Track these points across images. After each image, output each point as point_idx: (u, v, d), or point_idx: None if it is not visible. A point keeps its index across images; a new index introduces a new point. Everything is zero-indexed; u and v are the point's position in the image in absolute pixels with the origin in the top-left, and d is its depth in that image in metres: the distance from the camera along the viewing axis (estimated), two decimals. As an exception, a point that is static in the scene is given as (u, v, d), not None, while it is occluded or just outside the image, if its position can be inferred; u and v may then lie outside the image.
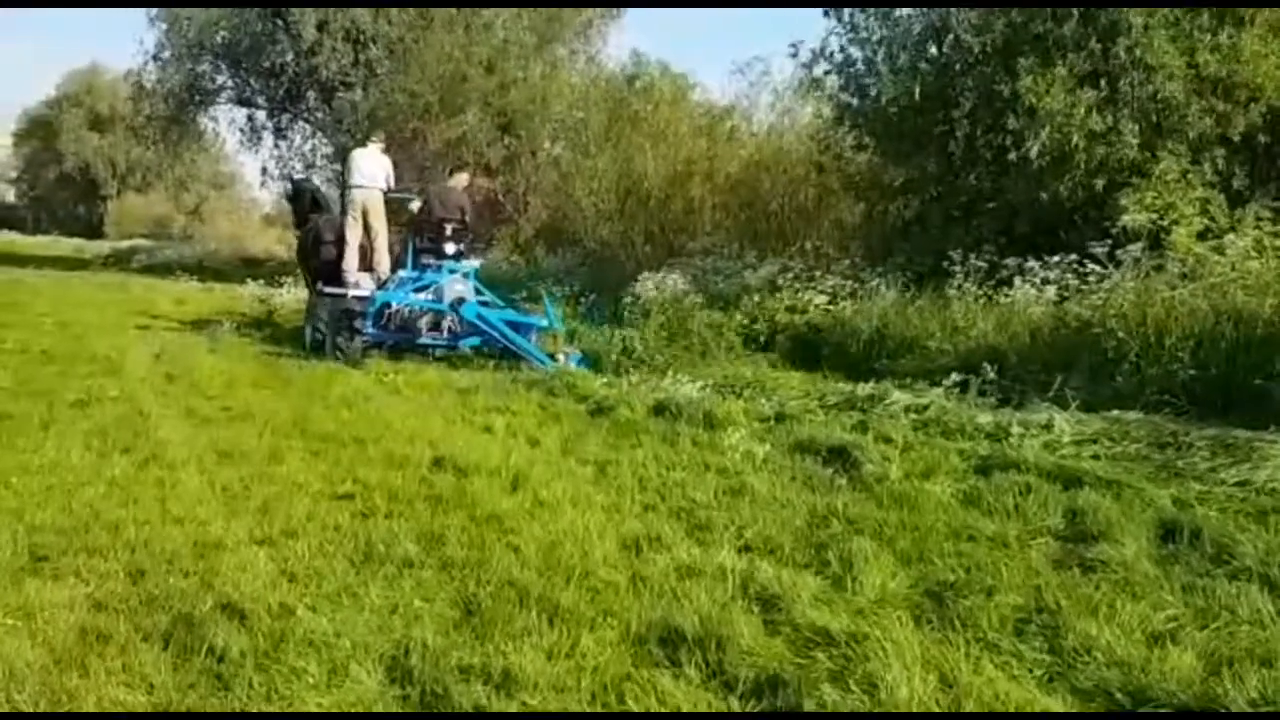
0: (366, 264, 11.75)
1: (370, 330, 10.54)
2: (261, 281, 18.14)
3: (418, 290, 10.80)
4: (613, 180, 18.92)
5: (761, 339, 10.58)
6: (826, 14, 11.57)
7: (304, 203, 13.30)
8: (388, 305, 10.67)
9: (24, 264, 27.04)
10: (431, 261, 11.02)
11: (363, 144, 13.08)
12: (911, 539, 4.06)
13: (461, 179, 12.73)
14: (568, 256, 19.21)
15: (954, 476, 4.98)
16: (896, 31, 10.47)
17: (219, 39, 27.71)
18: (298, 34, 24.94)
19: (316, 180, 22.08)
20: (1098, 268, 7.93)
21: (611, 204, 18.97)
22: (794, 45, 11.62)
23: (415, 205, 11.72)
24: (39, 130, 62.04)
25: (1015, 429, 5.71)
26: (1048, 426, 5.75)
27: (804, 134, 16.82)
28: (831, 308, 10.15)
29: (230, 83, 29.45)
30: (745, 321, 10.77)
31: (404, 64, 23.94)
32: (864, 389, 7.28)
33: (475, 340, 10.71)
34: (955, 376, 7.15)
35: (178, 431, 6.75)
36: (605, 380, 8.66)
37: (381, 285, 11.32)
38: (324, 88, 26.74)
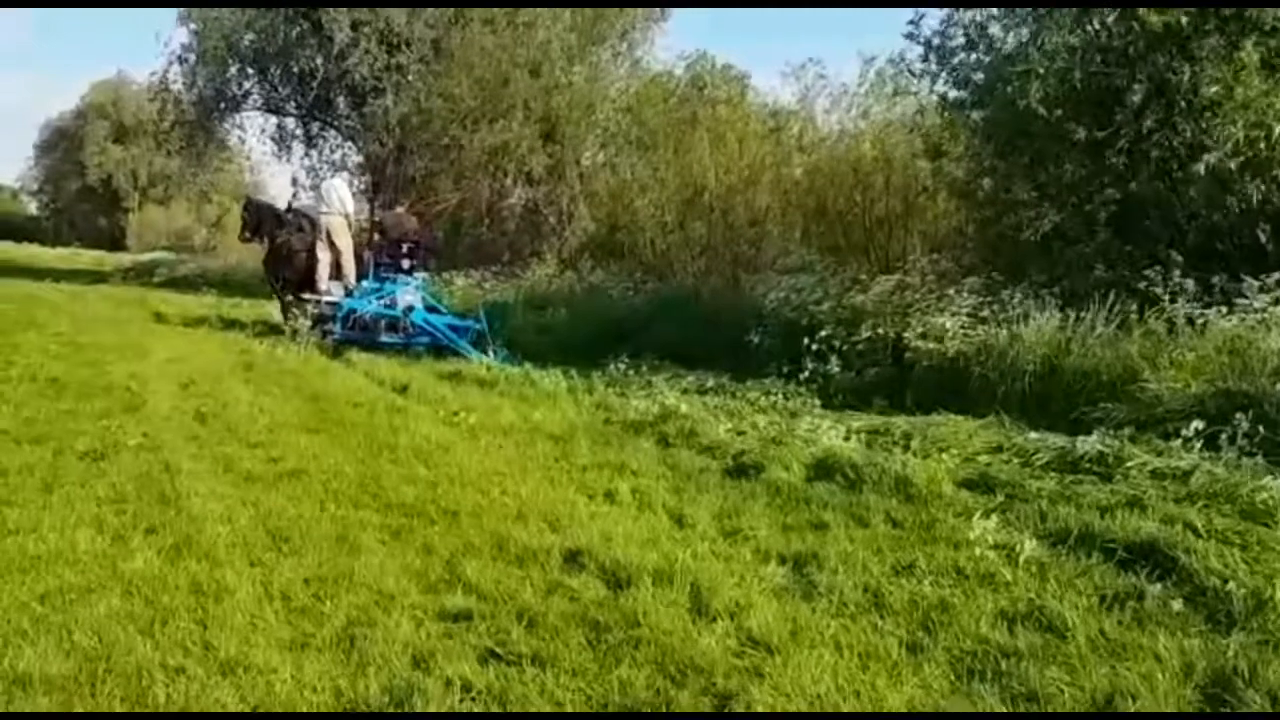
0: (334, 274, 13.94)
1: (338, 330, 12.70)
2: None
3: (377, 299, 12.95)
4: (674, 188, 17.42)
5: (886, 371, 9.04)
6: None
7: (263, 219, 15.42)
8: (354, 311, 12.82)
9: (43, 277, 25.79)
10: (389, 275, 13.23)
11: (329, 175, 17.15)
12: None
13: (400, 209, 15.60)
14: (618, 271, 17.74)
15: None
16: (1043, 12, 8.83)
17: (246, 42, 26.35)
18: (330, 36, 23.54)
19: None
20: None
21: (672, 214, 17.46)
22: (913, 23, 10.07)
23: (376, 236, 14.45)
24: (62, 142, 61.15)
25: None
26: None
27: (889, 135, 15.27)
28: (973, 334, 8.58)
29: (257, 88, 28.10)
30: (866, 351, 9.26)
31: (444, 66, 22.53)
32: (1085, 444, 5.73)
33: (424, 339, 12.48)
34: (1196, 426, 5.60)
35: (216, 498, 5.27)
36: (729, 426, 7.13)
37: (348, 294, 13.43)
38: (354, 93, 25.37)
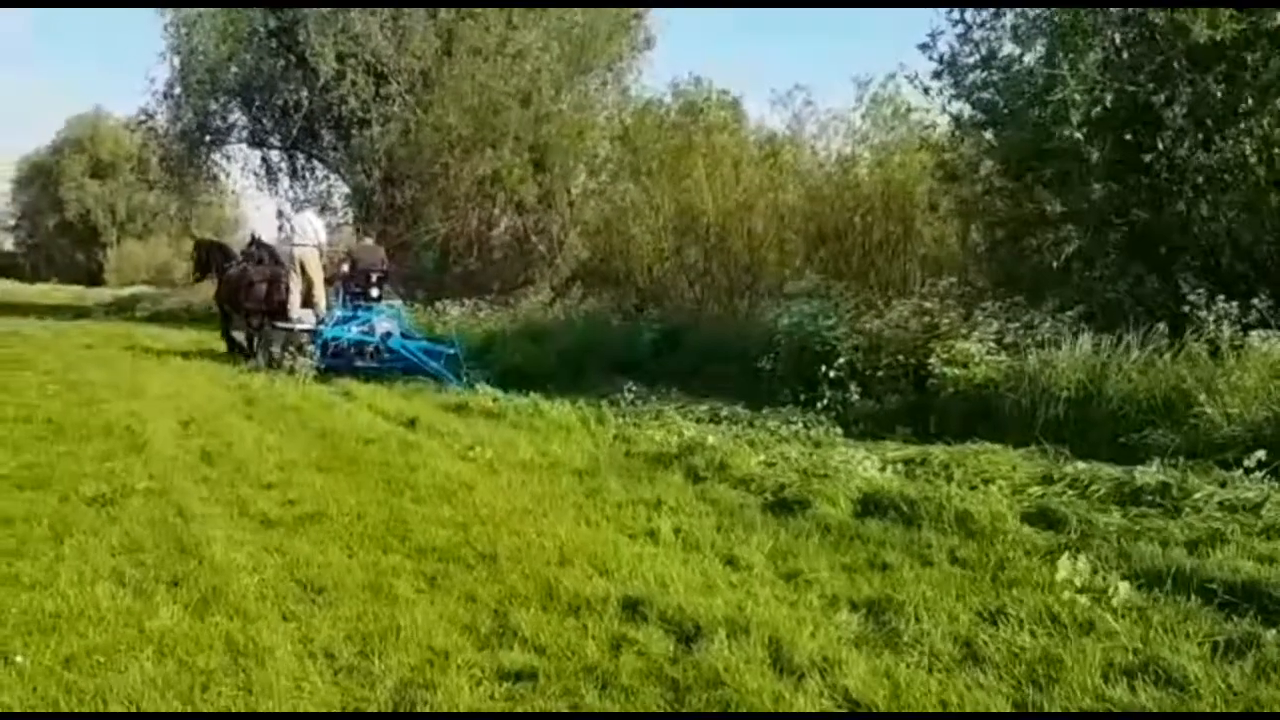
0: (305, 302, 14.28)
1: (317, 357, 12.77)
2: (277, 330, 16.50)
3: (355, 326, 13.51)
4: (670, 214, 17.24)
5: (908, 399, 8.82)
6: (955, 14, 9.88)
7: (211, 256, 16.48)
8: (335, 338, 13.22)
9: (25, 313, 25.30)
10: (361, 302, 13.93)
11: (301, 209, 16.95)
12: None
13: (370, 240, 16.29)
14: (611, 298, 17.54)
15: None
16: (1072, 27, 8.62)
17: (231, 75, 26.09)
18: (315, 68, 23.29)
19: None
20: None
21: (668, 240, 17.28)
22: (931, 35, 9.91)
23: (345, 267, 14.57)
24: (39, 177, 60.60)
25: None
26: None
27: (887, 158, 15.10)
28: (999, 359, 8.36)
29: (242, 121, 27.83)
30: (886, 377, 9.06)
31: (435, 96, 22.37)
32: (1144, 475, 5.50)
33: (399, 365, 13.05)
34: (1259, 456, 5.40)
35: (236, 545, 4.98)
36: (759, 458, 6.89)
37: (320, 322, 13.78)
38: (339, 125, 25.14)
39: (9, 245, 67.76)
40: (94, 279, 52.55)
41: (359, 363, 13.22)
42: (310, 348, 12.98)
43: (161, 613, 3.99)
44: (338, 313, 13.92)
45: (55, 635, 3.74)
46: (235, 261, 15.80)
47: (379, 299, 14.20)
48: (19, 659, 3.46)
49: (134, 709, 3.14)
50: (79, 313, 28.90)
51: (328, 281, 14.78)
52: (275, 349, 13.59)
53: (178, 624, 3.89)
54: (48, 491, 6.01)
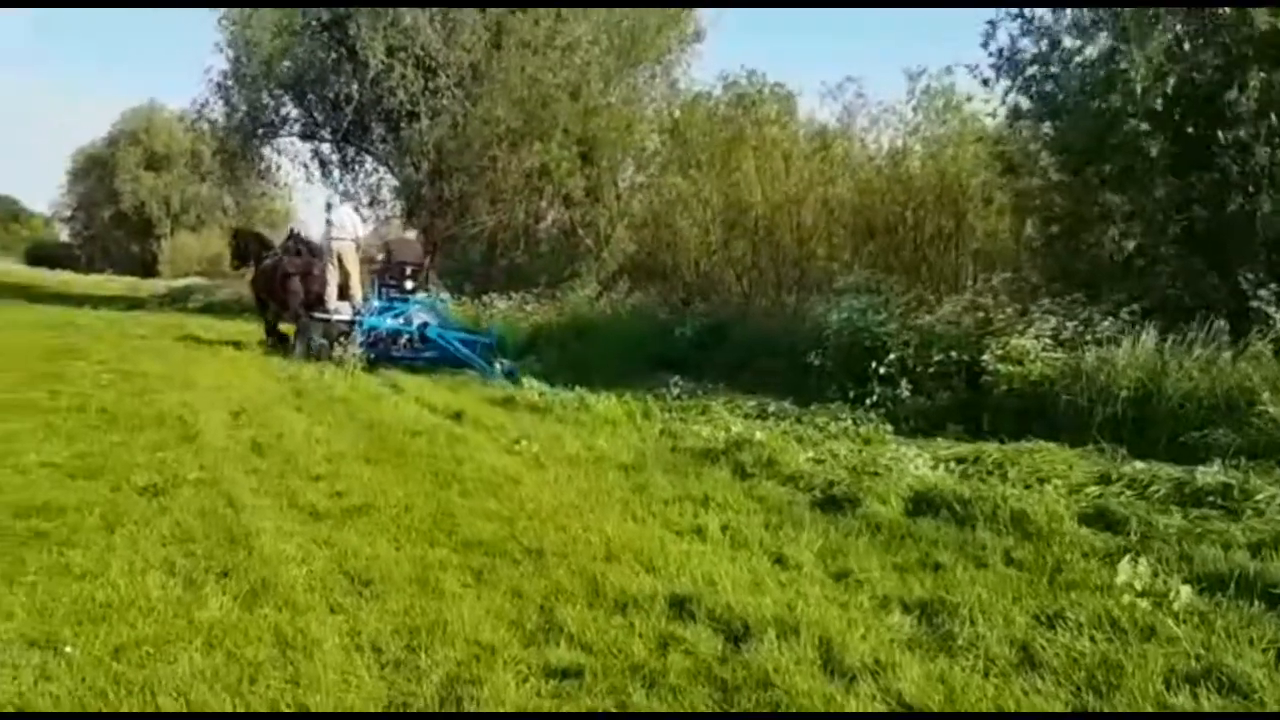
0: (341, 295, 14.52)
1: (362, 348, 13.06)
2: (328, 322, 16.66)
3: (392, 317, 14.14)
4: (719, 208, 17.13)
5: (960, 396, 8.68)
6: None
7: (249, 245, 16.86)
8: (375, 328, 13.77)
9: (80, 304, 25.72)
10: (395, 295, 14.55)
11: (340, 203, 17.44)
12: None
13: (411, 233, 16.99)
14: (657, 293, 17.47)
15: None
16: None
17: (284, 68, 26.32)
18: (365, 61, 23.41)
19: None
20: None
21: (716, 234, 17.18)
22: (991, 23, 9.71)
23: (380, 256, 15.35)
24: (94, 169, 61.57)
25: None
26: None
27: (940, 151, 14.88)
28: (1055, 357, 8.20)
29: (295, 113, 28.09)
30: (938, 374, 8.92)
31: (484, 88, 22.42)
32: (1205, 475, 5.37)
33: (432, 354, 13.62)
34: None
35: (285, 536, 5.00)
36: (808, 455, 6.81)
37: (356, 313, 14.13)
38: (389, 118, 25.28)
39: (65, 236, 69.16)
40: (148, 270, 53.37)
41: (394, 352, 13.83)
42: (358, 338, 13.23)
43: (211, 603, 4.00)
44: (375, 304, 14.38)
45: (105, 625, 3.75)
46: (272, 253, 16.13)
47: (414, 291, 14.79)
48: (69, 649, 3.48)
49: (182, 701, 3.14)
50: (133, 303, 29.33)
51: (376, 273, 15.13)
52: (316, 340, 14.04)
53: (227, 615, 3.89)
54: (100, 481, 6.06)
